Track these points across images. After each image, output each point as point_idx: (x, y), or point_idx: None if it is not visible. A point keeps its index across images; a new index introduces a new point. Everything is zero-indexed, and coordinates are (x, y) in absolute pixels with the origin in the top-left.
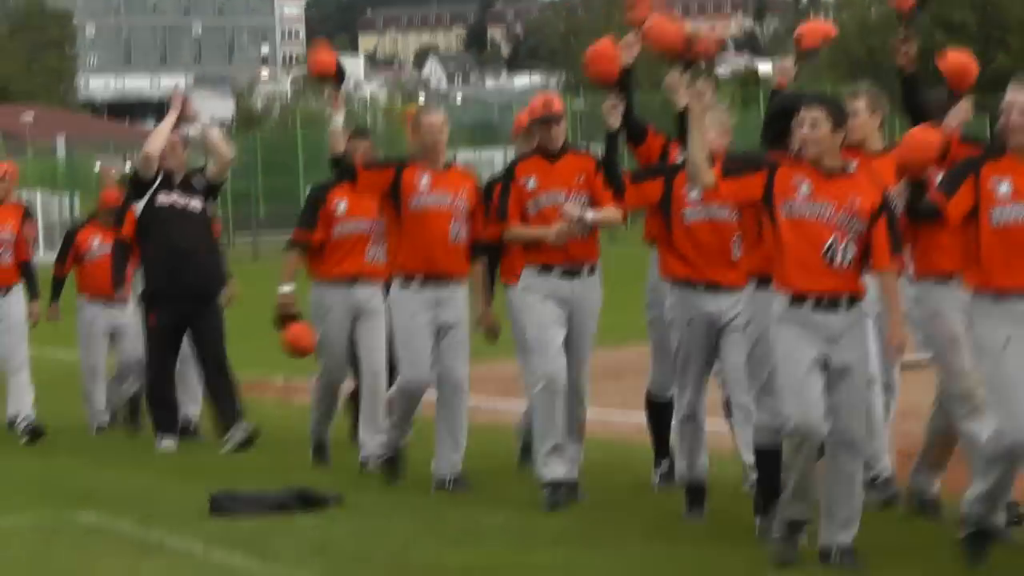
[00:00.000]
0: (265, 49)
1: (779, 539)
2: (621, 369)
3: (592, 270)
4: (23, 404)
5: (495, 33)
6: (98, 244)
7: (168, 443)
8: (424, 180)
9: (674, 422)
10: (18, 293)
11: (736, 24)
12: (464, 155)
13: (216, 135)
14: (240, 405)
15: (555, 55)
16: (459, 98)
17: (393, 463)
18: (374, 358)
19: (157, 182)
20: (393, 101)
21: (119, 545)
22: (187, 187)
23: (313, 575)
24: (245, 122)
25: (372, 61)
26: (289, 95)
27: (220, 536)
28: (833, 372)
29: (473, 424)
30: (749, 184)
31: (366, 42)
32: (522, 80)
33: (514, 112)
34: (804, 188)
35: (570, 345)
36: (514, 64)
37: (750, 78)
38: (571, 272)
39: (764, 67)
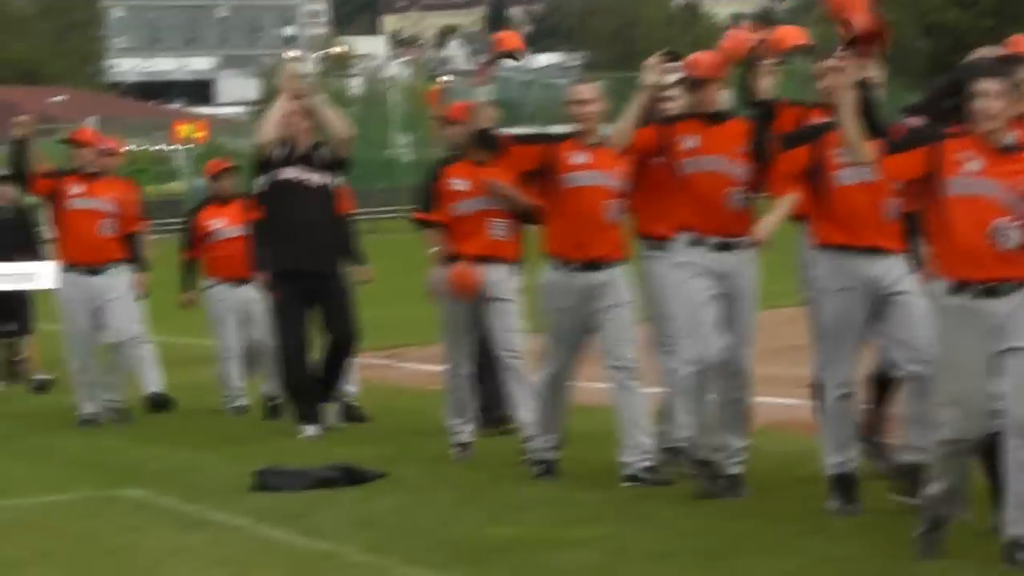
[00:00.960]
0: (289, 30)
1: (923, 533)
2: None
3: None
4: (152, 379)
5: (516, 12)
6: (221, 225)
7: (311, 430)
8: (578, 157)
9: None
10: (125, 267)
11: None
12: None
13: (328, 112)
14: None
15: (574, 34)
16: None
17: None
18: (507, 338)
19: (278, 156)
20: (416, 80)
21: (165, 520)
22: (309, 161)
23: (357, 550)
24: (271, 102)
25: (395, 41)
26: (314, 75)
27: (265, 511)
28: (1000, 358)
29: None
30: (910, 160)
31: (389, 22)
32: (543, 59)
33: (535, 90)
34: (973, 165)
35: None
36: (535, 43)
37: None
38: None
39: None
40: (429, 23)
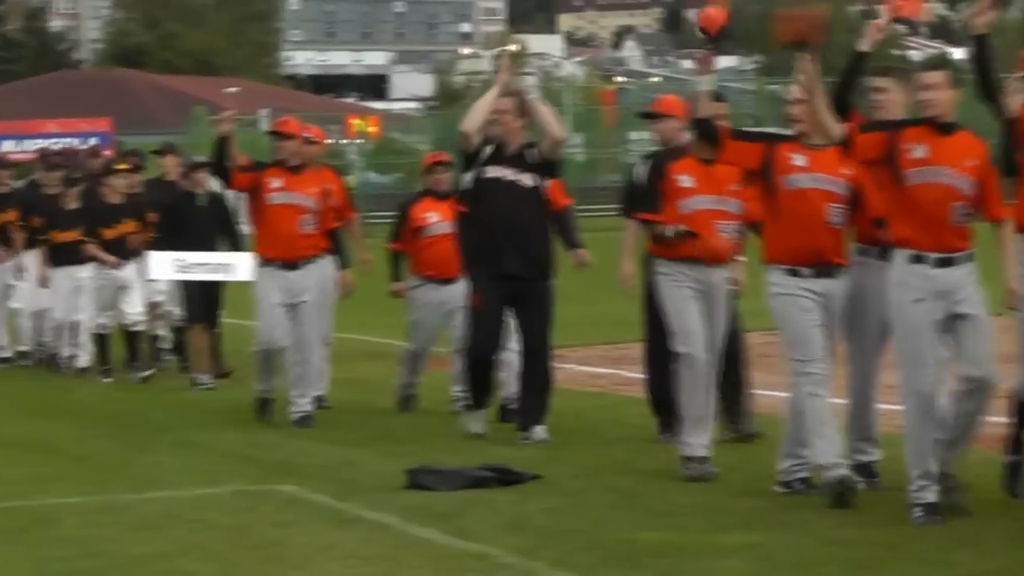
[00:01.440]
0: (466, 27)
1: None
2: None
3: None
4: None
5: (691, 14)
6: (435, 220)
7: (475, 425)
8: (798, 159)
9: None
10: (325, 263)
11: (931, 10)
12: None
13: (545, 112)
14: (547, 406)
15: (751, 37)
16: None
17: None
18: (716, 336)
19: (487, 154)
20: (591, 80)
21: (316, 516)
22: (519, 161)
23: (506, 551)
24: (446, 98)
25: (570, 41)
26: (489, 72)
27: (416, 510)
28: None
29: None
30: None
31: (565, 22)
32: (718, 62)
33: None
34: None
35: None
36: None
37: (942, 64)
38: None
39: (957, 53)
40: (605, 23)
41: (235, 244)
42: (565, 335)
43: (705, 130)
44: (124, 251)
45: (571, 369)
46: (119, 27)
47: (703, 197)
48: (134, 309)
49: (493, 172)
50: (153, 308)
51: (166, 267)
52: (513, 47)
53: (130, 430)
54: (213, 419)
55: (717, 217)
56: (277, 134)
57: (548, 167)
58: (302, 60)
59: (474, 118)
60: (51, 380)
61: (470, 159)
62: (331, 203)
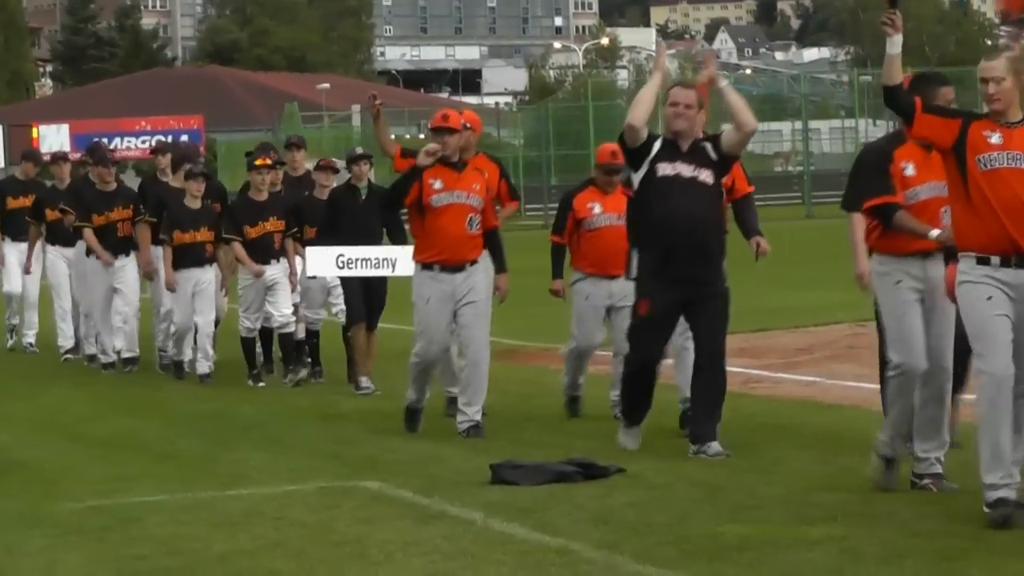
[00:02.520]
0: (559, 20)
1: None
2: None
3: None
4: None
5: (784, 6)
6: (599, 212)
7: (630, 441)
8: (994, 137)
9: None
10: (487, 262)
11: None
12: None
13: (738, 100)
14: (720, 418)
15: (844, 28)
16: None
17: None
18: (942, 344)
19: (657, 149)
20: (684, 73)
21: (399, 512)
22: (697, 156)
23: (588, 546)
24: (538, 93)
25: (664, 33)
26: (581, 66)
27: (500, 505)
28: None
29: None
30: None
31: (658, 14)
32: (811, 53)
33: (803, 85)
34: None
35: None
36: (803, 37)
37: None
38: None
39: None
40: (698, 15)
41: (399, 238)
42: None
43: (895, 99)
44: (270, 250)
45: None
46: (211, 24)
47: (929, 184)
48: (283, 310)
49: (667, 169)
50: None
51: (327, 263)
52: (605, 40)
53: (216, 428)
54: (300, 416)
55: (942, 204)
56: (441, 130)
57: (727, 161)
58: (395, 55)
59: (640, 111)
60: (140, 379)
61: (637, 155)
62: (492, 195)
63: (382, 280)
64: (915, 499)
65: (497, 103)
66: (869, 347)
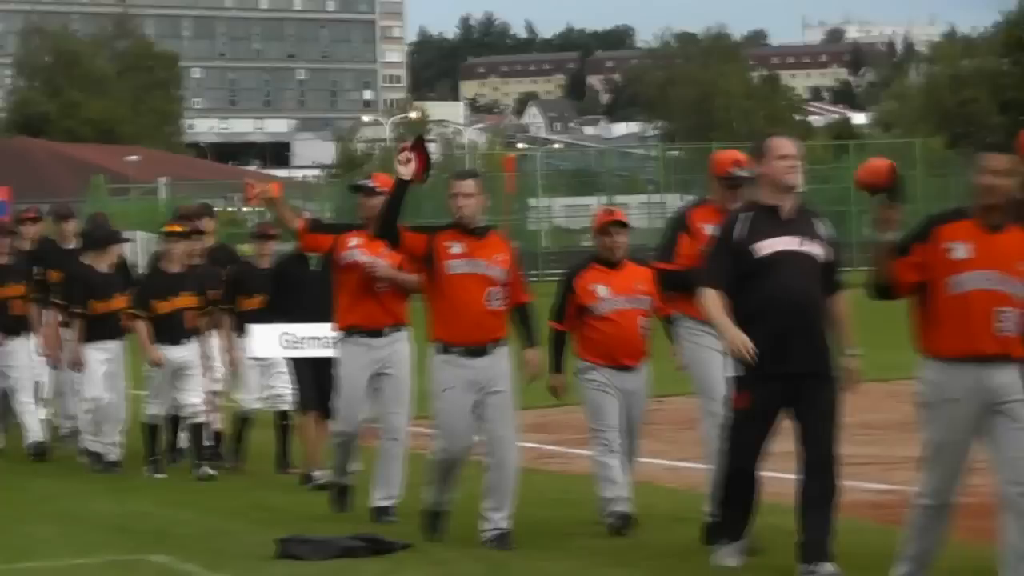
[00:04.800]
0: (368, 94)
1: None
2: None
3: None
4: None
5: (594, 81)
6: (606, 296)
7: (728, 558)
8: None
9: None
10: (508, 350)
11: (832, 75)
12: (563, 201)
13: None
14: (834, 532)
15: (653, 104)
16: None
17: None
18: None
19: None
20: (493, 147)
21: None
22: (804, 226)
23: None
24: (347, 166)
25: (473, 107)
26: (389, 140)
27: None
28: None
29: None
30: None
31: (468, 88)
32: (620, 128)
33: (612, 159)
34: None
35: None
36: (613, 112)
37: (843, 130)
38: None
39: (859, 118)
40: (508, 90)
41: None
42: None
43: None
44: (179, 329)
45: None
46: (21, 95)
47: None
48: (192, 399)
49: (772, 244)
50: (212, 398)
51: (272, 343)
52: (414, 114)
53: (6, 500)
54: (90, 488)
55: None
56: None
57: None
58: (204, 128)
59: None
60: None
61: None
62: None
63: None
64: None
65: (305, 176)
66: (668, 423)
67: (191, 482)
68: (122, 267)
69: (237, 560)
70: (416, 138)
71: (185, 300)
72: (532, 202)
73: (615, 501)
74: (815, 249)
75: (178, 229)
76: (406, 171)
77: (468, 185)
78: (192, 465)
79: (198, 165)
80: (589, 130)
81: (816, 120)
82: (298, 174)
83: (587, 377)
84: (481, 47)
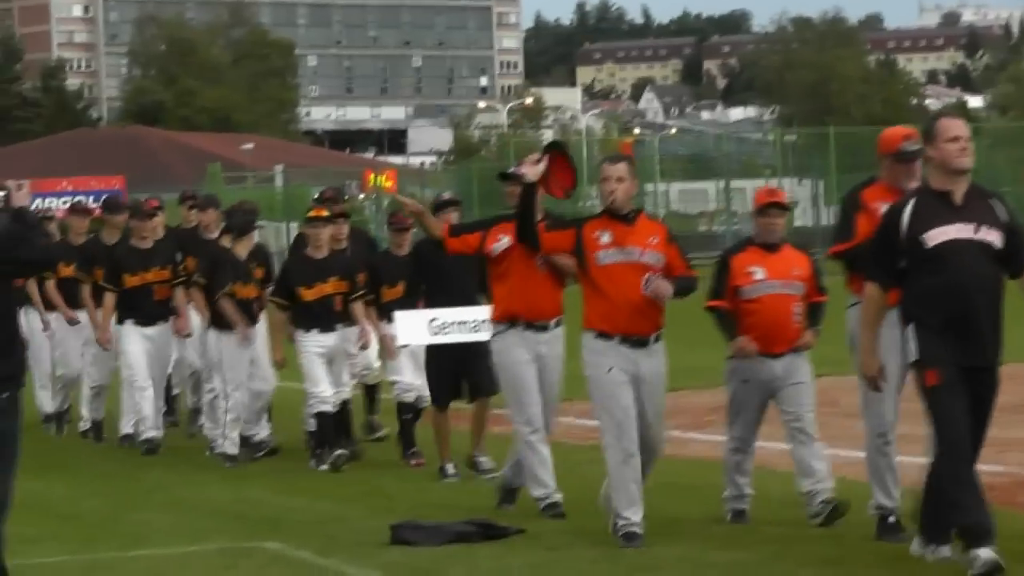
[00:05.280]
0: (484, 80)
1: None
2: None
3: None
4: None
5: (711, 66)
6: (761, 278)
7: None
8: None
9: None
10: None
11: (948, 59)
12: (679, 187)
13: None
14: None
15: (769, 88)
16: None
17: None
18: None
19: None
20: (609, 132)
21: (298, 572)
22: (979, 211)
23: None
24: (463, 152)
25: (590, 93)
26: (506, 126)
27: (398, 566)
28: None
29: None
30: None
31: (584, 74)
32: (737, 113)
33: (728, 144)
34: None
35: None
36: (729, 97)
37: (960, 113)
38: None
39: (975, 101)
40: (624, 75)
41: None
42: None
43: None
44: (331, 315)
45: (570, 422)
46: (137, 85)
47: None
48: (342, 388)
49: (943, 232)
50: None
51: (420, 329)
52: (529, 100)
53: (121, 489)
54: (205, 477)
55: None
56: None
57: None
58: (321, 116)
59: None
60: (48, 438)
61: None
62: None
63: (482, 346)
64: (814, 556)
65: (422, 163)
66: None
67: (305, 469)
68: (258, 253)
69: (350, 547)
70: (553, 144)
71: (334, 285)
72: (648, 187)
73: (738, 499)
74: (991, 236)
75: (324, 213)
76: (532, 172)
77: (621, 169)
78: (313, 455)
79: (314, 153)
80: (705, 115)
81: (932, 104)
82: (415, 161)
83: (733, 369)
84: (597, 32)
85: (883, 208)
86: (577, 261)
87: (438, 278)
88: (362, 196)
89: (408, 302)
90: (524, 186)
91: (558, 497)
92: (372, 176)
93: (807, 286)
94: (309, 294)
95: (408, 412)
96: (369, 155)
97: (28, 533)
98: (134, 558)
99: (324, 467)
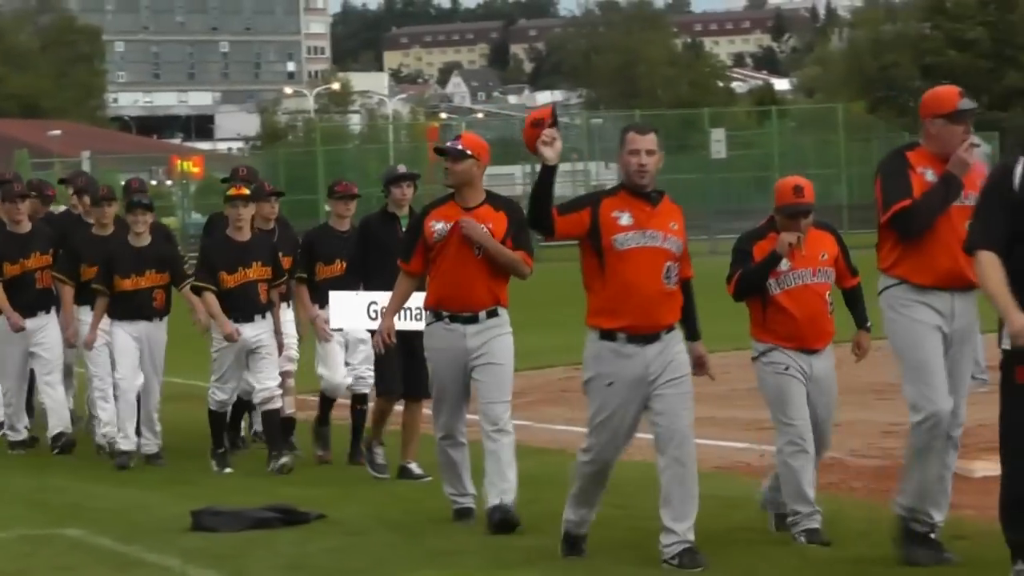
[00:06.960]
0: (291, 66)
1: None
2: None
3: None
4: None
5: (518, 50)
6: (786, 269)
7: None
8: None
9: None
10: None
11: (755, 42)
12: (487, 171)
13: None
14: None
15: (576, 72)
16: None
17: None
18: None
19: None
20: (416, 117)
21: (98, 560)
22: None
23: None
24: (270, 138)
25: (397, 78)
26: (313, 111)
27: (198, 552)
28: None
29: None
30: None
31: (391, 59)
32: (544, 97)
33: None
34: None
35: None
36: (536, 81)
37: (766, 96)
38: None
39: (781, 84)
40: (431, 60)
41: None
42: None
43: None
44: (253, 304)
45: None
46: None
47: None
48: (267, 382)
49: None
50: (286, 380)
51: (358, 313)
52: (336, 85)
53: None
54: (7, 463)
55: None
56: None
57: None
58: (128, 102)
59: None
60: None
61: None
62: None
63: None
64: (608, 542)
65: (229, 148)
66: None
67: (106, 457)
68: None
69: (151, 533)
70: (553, 109)
71: (257, 271)
72: None
73: (808, 517)
74: None
75: (244, 192)
76: (552, 154)
77: (651, 140)
78: (269, 457)
79: (122, 139)
80: (513, 99)
81: (739, 86)
82: (222, 147)
83: (769, 360)
84: (404, 17)
85: (929, 174)
86: (590, 245)
87: (386, 256)
88: (169, 182)
89: (348, 282)
90: (543, 168)
91: (469, 503)
92: (179, 162)
93: (836, 270)
94: (231, 280)
95: (362, 403)
96: (176, 141)
97: None
98: None
99: (215, 467)
